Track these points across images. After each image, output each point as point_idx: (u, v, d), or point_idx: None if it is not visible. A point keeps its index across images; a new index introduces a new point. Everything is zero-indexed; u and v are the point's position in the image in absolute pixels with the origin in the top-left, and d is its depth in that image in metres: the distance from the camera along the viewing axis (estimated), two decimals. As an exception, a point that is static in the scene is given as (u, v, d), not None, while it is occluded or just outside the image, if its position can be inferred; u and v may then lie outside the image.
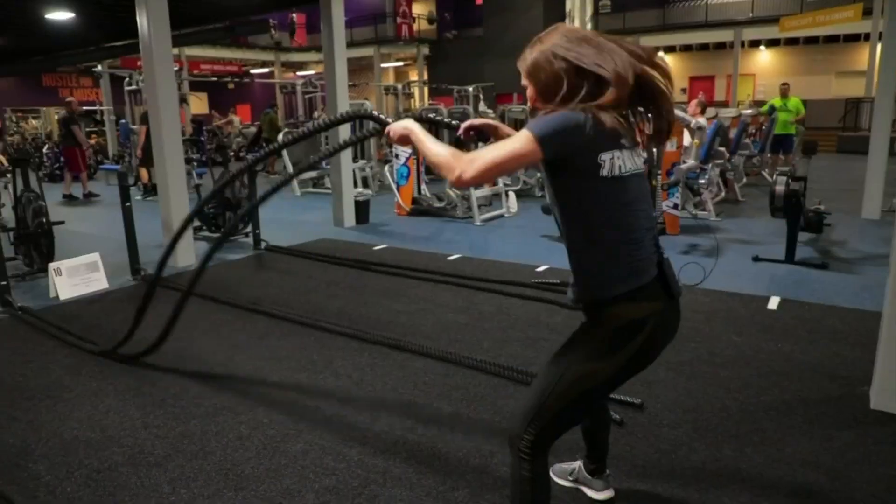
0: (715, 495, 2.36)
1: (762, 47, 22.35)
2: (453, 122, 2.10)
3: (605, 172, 1.60)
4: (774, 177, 5.53)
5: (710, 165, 7.69)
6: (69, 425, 3.02)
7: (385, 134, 1.97)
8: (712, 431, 2.81)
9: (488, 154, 1.58)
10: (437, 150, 1.69)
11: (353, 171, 8.92)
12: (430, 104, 16.59)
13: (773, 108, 10.04)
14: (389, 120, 2.01)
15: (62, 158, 11.76)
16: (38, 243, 5.70)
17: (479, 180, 1.61)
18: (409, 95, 18.53)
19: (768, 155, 10.50)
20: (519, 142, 1.57)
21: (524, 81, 1.72)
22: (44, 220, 5.66)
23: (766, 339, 3.85)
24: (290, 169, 10.79)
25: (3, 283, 4.81)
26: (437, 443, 2.74)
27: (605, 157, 1.59)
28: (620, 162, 1.62)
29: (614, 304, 1.68)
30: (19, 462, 2.71)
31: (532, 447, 1.80)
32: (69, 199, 10.65)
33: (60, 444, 2.85)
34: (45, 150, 14.62)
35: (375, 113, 2.18)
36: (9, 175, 6.32)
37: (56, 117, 21.35)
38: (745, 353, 3.65)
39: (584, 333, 1.78)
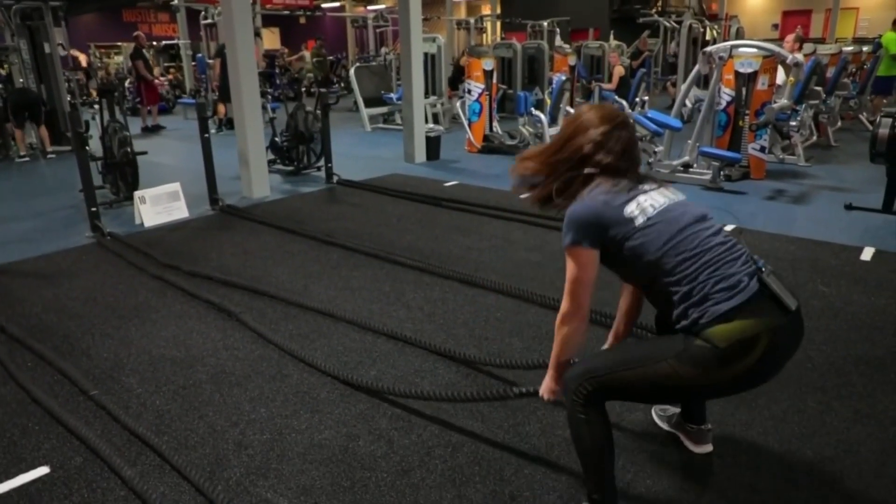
0: (797, 447, 2.27)
1: (869, -23, 20.37)
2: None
3: (641, 220, 1.67)
4: (878, 118, 5.09)
5: (803, 106, 7.18)
6: (157, 343, 3.19)
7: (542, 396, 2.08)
8: (795, 382, 2.69)
9: (568, 288, 1.77)
10: (560, 342, 1.87)
11: (425, 106, 8.80)
12: (502, 39, 16.08)
13: (878, 45, 9.20)
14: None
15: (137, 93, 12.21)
16: (123, 172, 5.94)
17: (580, 305, 1.78)
18: (482, 30, 18.02)
19: (868, 97, 9.69)
20: (570, 264, 1.74)
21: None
22: (129, 149, 5.88)
23: (858, 291, 3.63)
24: (361, 103, 10.78)
25: (94, 209, 5.05)
26: (508, 378, 2.74)
27: (631, 207, 1.68)
28: (649, 202, 1.70)
29: (718, 325, 1.60)
30: (113, 375, 2.89)
31: (586, 398, 1.77)
32: (145, 131, 10.97)
33: (149, 361, 3.01)
34: (127, 84, 15.11)
35: None
36: (96, 106, 6.56)
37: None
38: (833, 305, 3.45)
39: (698, 343, 1.64)
